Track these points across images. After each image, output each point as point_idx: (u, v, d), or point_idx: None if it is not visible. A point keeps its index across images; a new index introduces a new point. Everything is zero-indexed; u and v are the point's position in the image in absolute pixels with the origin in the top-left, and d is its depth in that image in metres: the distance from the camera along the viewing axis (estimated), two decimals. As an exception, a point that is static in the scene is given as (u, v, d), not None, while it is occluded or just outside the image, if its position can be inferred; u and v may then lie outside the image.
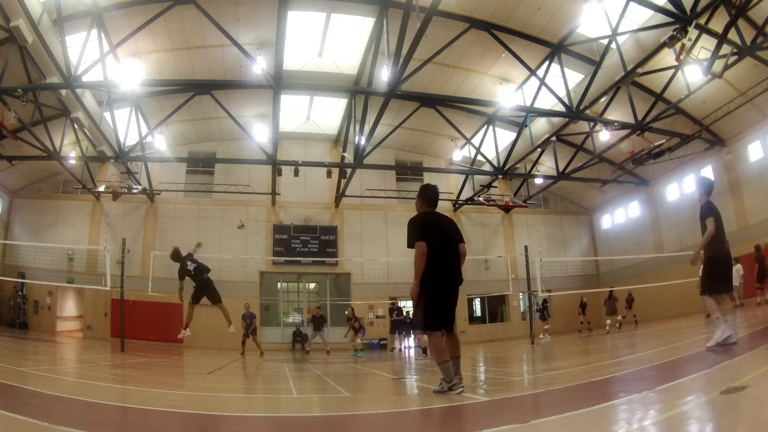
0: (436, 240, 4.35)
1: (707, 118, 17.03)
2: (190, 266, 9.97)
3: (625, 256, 21.44)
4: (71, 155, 18.54)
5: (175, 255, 10.00)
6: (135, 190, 19.37)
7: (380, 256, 21.65)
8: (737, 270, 14.62)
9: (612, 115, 17.35)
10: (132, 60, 15.86)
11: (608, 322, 16.97)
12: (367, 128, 16.73)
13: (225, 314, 9.99)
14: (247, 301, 16.97)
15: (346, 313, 16.99)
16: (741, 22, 12.35)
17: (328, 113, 21.55)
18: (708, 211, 5.66)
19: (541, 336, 18.21)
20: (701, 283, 5.76)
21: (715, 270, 5.62)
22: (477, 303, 24.39)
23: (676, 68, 14.30)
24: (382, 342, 20.52)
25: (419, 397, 4.77)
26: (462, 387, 4.24)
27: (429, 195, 4.65)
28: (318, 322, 16.69)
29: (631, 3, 12.64)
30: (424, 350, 11.93)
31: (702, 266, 5.75)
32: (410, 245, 4.38)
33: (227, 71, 17.20)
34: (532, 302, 17.66)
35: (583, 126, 18.38)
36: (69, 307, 22.98)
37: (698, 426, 2.46)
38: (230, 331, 10.09)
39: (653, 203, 22.21)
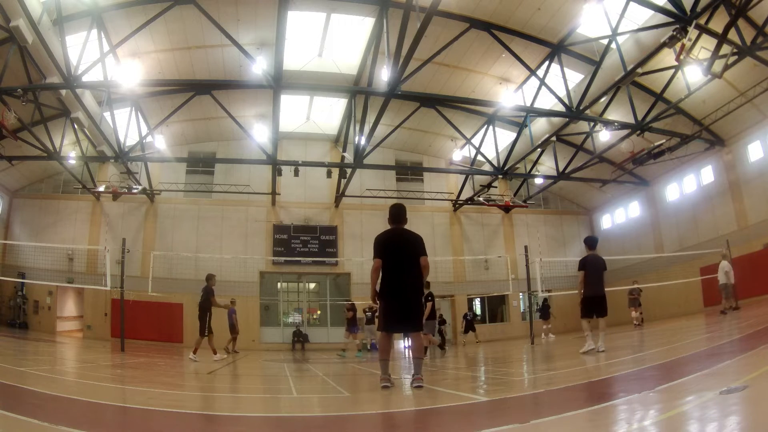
0: (391, 257, 5.03)
1: (707, 118, 17.02)
2: (202, 296, 10.99)
3: (625, 256, 21.43)
4: (71, 155, 18.55)
5: (210, 278, 11.21)
6: (135, 190, 19.38)
7: (380, 256, 21.63)
8: (722, 266, 14.68)
9: (612, 115, 17.34)
10: (132, 60, 15.86)
11: (637, 314, 16.93)
12: (367, 128, 16.73)
13: (211, 344, 11.08)
14: (234, 299, 17.00)
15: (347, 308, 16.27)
16: (741, 22, 12.35)
17: (328, 113, 21.54)
18: (579, 264, 8.10)
19: (543, 336, 18.20)
20: (581, 313, 8.22)
21: (585, 304, 8.03)
22: (477, 303, 24.39)
23: (676, 68, 14.30)
24: (382, 342, 20.49)
25: (419, 397, 4.76)
26: (391, 384, 4.93)
27: (392, 213, 5.32)
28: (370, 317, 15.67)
29: (631, 3, 12.64)
30: (425, 349, 12.10)
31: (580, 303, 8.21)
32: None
33: (227, 71, 17.20)
34: (531, 302, 17.64)
35: (583, 126, 18.37)
36: (69, 307, 22.98)
37: (698, 426, 2.46)
38: (214, 359, 10.87)
39: (653, 203, 22.21)
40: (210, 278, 11.06)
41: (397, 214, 5.29)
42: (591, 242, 8.29)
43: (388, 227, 5.33)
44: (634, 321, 16.94)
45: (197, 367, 9.52)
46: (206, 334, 10.80)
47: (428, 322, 12.22)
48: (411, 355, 5.17)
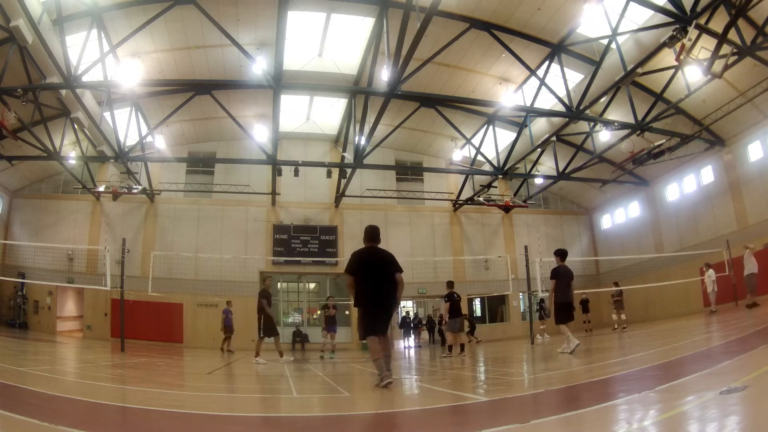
0: (365, 273, 5.53)
1: (707, 118, 17.02)
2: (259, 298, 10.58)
3: (625, 256, 21.44)
4: (71, 155, 18.55)
5: (265, 279, 10.94)
6: (135, 190, 19.37)
7: (380, 256, 21.64)
8: (709, 276, 14.74)
9: (612, 115, 17.34)
10: (132, 60, 15.86)
11: (623, 317, 16.36)
12: (367, 128, 16.73)
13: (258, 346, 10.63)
14: (229, 299, 17.05)
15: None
16: (741, 22, 12.35)
17: (328, 113, 21.54)
18: (552, 273, 8.78)
19: (538, 336, 18.17)
20: (555, 319, 8.88)
21: (561, 311, 8.63)
22: (477, 303, 24.38)
23: (676, 68, 14.29)
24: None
25: (419, 397, 4.77)
26: (390, 380, 5.14)
27: (368, 233, 5.79)
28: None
29: (631, 3, 12.64)
30: (450, 348, 12.11)
31: (553, 309, 8.92)
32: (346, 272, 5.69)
33: (227, 71, 17.20)
34: (532, 302, 17.63)
35: (583, 126, 18.37)
36: (69, 307, 22.98)
37: (698, 426, 2.46)
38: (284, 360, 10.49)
39: (653, 203, 22.21)
40: (265, 279, 10.69)
41: (374, 233, 5.76)
42: (562, 254, 8.99)
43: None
44: (615, 324, 16.39)
45: (197, 367, 9.51)
46: (262, 335, 10.35)
47: (453, 320, 12.17)
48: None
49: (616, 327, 16.34)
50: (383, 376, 5.17)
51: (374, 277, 5.50)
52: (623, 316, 16.40)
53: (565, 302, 8.66)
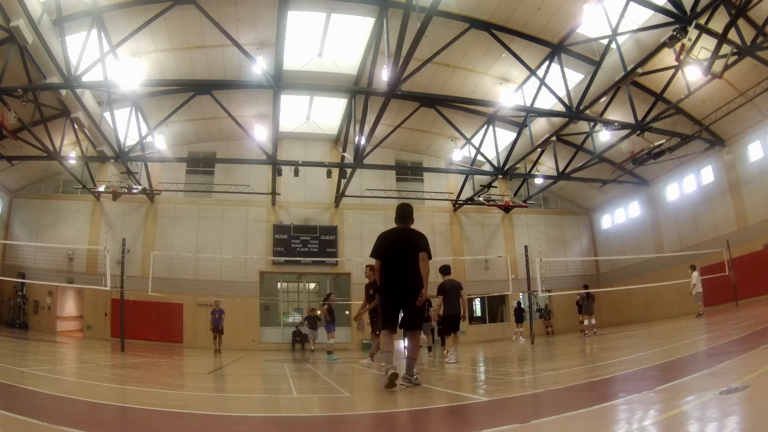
0: (388, 255, 5.09)
1: (707, 118, 17.02)
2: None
3: (625, 256, 21.44)
4: (71, 155, 18.55)
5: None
6: (135, 190, 19.37)
7: (380, 256, 21.66)
8: (695, 277, 14.72)
9: (612, 115, 17.34)
10: (132, 60, 15.86)
11: (592, 322, 15.54)
12: (367, 128, 16.73)
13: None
14: (217, 298, 16.95)
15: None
16: (741, 22, 12.35)
17: (328, 113, 21.54)
18: (438, 289, 9.16)
19: (513, 338, 18.20)
20: (438, 329, 10.11)
21: (444, 324, 9.38)
22: (477, 303, 24.38)
23: (676, 68, 14.29)
24: (381, 342, 20.51)
25: (419, 397, 4.76)
26: (393, 371, 4.73)
27: (397, 212, 5.37)
28: (312, 321, 16.49)
29: (631, 3, 12.64)
30: (429, 348, 12.16)
31: (437, 322, 9.98)
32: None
33: (227, 71, 17.20)
34: (532, 302, 17.63)
35: (583, 126, 18.36)
36: (69, 307, 22.98)
37: (698, 426, 2.46)
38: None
39: (653, 203, 22.21)
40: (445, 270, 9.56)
41: (401, 213, 5.32)
42: (445, 270, 9.33)
43: (393, 226, 5.43)
44: (585, 329, 15.63)
45: (197, 367, 9.50)
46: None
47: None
48: (406, 355, 5.21)
49: (586, 332, 15.48)
50: (388, 368, 4.78)
51: (393, 262, 5.02)
52: (593, 320, 15.64)
53: (451, 315, 9.03)
